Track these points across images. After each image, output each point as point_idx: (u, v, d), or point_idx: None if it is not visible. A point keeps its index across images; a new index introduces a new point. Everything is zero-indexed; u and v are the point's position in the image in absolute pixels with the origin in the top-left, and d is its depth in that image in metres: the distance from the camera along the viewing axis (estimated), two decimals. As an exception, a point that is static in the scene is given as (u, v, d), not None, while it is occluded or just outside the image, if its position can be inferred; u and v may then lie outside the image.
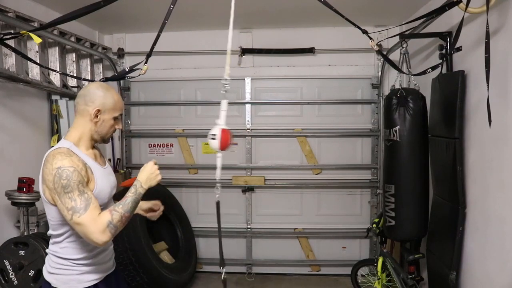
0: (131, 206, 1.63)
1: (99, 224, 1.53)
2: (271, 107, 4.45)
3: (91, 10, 2.00)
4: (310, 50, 4.28)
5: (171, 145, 4.55)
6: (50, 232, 1.71)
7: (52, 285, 1.67)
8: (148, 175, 1.72)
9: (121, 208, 1.59)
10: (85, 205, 1.54)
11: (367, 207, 4.40)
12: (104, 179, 1.72)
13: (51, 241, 1.71)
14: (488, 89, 1.96)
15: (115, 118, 1.75)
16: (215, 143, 1.57)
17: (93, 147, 1.80)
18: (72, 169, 1.55)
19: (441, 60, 2.74)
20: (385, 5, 3.58)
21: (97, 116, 1.69)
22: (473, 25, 2.46)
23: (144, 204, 2.01)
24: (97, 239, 1.53)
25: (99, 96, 1.69)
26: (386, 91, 4.09)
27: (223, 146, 1.56)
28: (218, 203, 1.62)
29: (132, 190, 1.66)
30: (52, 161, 1.57)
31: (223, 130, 1.57)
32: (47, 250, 1.75)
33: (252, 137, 4.43)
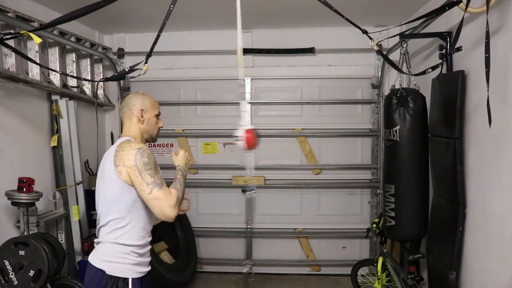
0: (183, 186, 1.89)
1: (172, 199, 1.75)
2: (271, 107, 4.45)
3: (91, 10, 2.00)
4: (310, 50, 4.28)
5: (171, 145, 4.55)
6: (112, 217, 1.80)
7: (107, 272, 1.77)
8: (185, 160, 1.99)
9: (180, 186, 1.85)
10: (161, 182, 1.77)
11: (367, 207, 4.40)
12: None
13: (108, 229, 1.81)
14: (488, 89, 1.95)
15: (156, 117, 2.00)
16: (241, 144, 1.65)
17: None
18: (150, 151, 1.81)
19: (441, 60, 2.74)
20: (385, 5, 3.58)
21: (143, 116, 1.94)
22: (473, 25, 2.46)
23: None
24: (170, 213, 1.74)
25: (138, 99, 1.97)
26: (386, 91, 4.09)
27: (249, 145, 1.65)
28: (250, 200, 1.76)
29: (179, 173, 1.92)
30: (130, 144, 1.81)
31: (246, 131, 1.64)
32: (100, 239, 1.85)
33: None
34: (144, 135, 1.98)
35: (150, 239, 1.93)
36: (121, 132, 2.06)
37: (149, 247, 1.93)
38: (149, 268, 1.94)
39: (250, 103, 4.41)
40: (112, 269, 1.78)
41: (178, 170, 1.94)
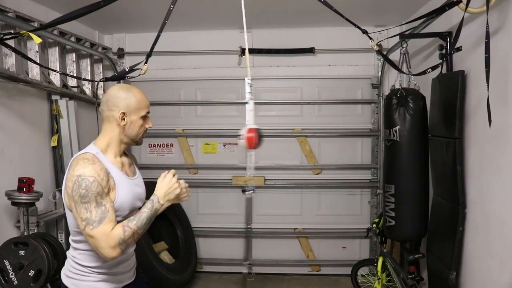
0: (145, 223, 1.57)
1: (110, 240, 1.49)
2: (271, 107, 4.45)
3: (91, 10, 2.00)
4: (310, 50, 4.28)
5: (171, 145, 4.55)
6: (70, 237, 1.69)
7: None
8: (166, 189, 1.62)
9: (134, 225, 1.54)
10: (100, 219, 1.50)
11: (367, 207, 4.39)
12: (128, 190, 1.65)
13: (71, 245, 1.70)
14: (488, 89, 1.95)
15: (143, 118, 1.69)
16: (243, 143, 1.61)
17: (125, 154, 1.77)
18: (92, 178, 1.50)
19: (441, 60, 2.74)
20: (385, 5, 3.58)
21: (124, 119, 1.64)
22: (473, 25, 2.46)
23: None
24: (107, 254, 1.50)
25: (121, 98, 1.63)
26: (386, 91, 4.09)
27: (251, 145, 1.60)
28: (249, 200, 1.70)
29: (148, 205, 1.59)
30: (75, 167, 1.53)
31: (249, 130, 1.60)
32: (67, 253, 1.73)
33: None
34: (124, 140, 1.68)
35: (118, 259, 1.63)
36: None
37: (122, 264, 1.72)
38: (126, 282, 1.76)
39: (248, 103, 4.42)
40: (72, 286, 1.65)
41: (150, 200, 1.60)
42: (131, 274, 1.82)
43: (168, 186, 1.62)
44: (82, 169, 1.51)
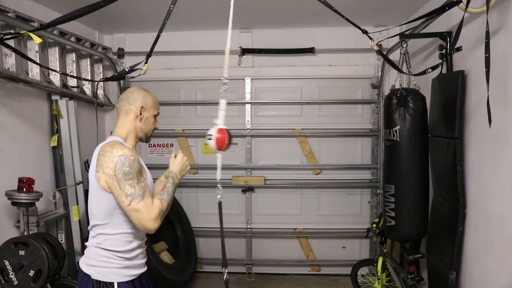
0: (172, 196, 1.79)
1: (153, 212, 1.66)
2: (271, 107, 4.45)
3: (91, 10, 2.00)
4: (310, 50, 4.28)
5: (171, 145, 4.55)
6: (95, 222, 1.77)
7: (92, 277, 1.74)
8: (180, 166, 1.89)
9: (166, 197, 1.74)
10: (143, 193, 1.66)
11: (367, 207, 4.40)
12: (149, 178, 1.84)
13: (93, 233, 1.78)
14: (488, 89, 1.95)
15: (154, 117, 1.91)
16: (212, 144, 1.55)
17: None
18: (133, 158, 1.68)
19: (441, 60, 2.74)
20: (385, 5, 3.58)
21: (141, 113, 1.84)
22: (473, 25, 2.46)
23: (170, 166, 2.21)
24: (150, 225, 1.66)
25: (140, 95, 1.85)
26: (386, 91, 4.09)
27: (220, 146, 1.54)
28: (220, 204, 1.67)
29: (170, 181, 1.81)
30: (112, 149, 1.68)
31: (220, 130, 1.54)
32: (87, 243, 1.81)
33: (252, 137, 4.43)
34: (139, 134, 1.88)
35: (140, 242, 1.84)
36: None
37: (140, 249, 1.85)
38: (142, 270, 1.87)
39: (250, 103, 4.41)
40: (96, 274, 1.74)
41: (170, 177, 1.83)
42: (145, 262, 1.91)
43: (181, 163, 1.90)
44: (122, 150, 1.68)
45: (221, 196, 1.64)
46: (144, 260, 1.89)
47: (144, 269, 1.88)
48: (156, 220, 1.67)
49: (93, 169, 1.73)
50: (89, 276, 1.74)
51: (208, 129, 1.61)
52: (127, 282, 1.77)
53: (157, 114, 1.94)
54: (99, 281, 1.73)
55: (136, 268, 1.82)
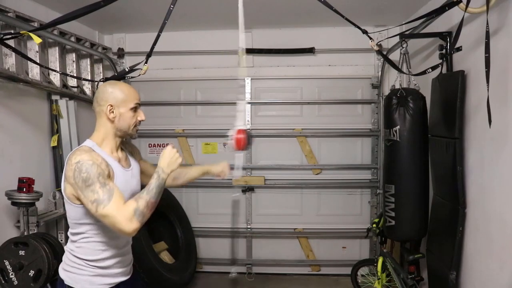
0: (156, 192, 1.61)
1: (125, 213, 1.52)
2: (271, 107, 4.45)
3: (91, 10, 2.00)
4: (310, 50, 4.28)
5: (171, 145, 4.54)
6: (69, 231, 1.73)
7: (65, 282, 1.70)
8: (168, 160, 1.70)
9: (146, 194, 1.58)
10: (108, 196, 1.53)
11: (367, 207, 4.40)
12: (124, 182, 1.71)
13: (69, 239, 1.74)
14: (488, 89, 1.96)
15: (133, 110, 1.73)
16: (231, 144, 1.61)
17: (121, 149, 1.81)
18: (91, 162, 1.55)
19: (441, 60, 2.74)
20: (385, 5, 3.58)
21: (113, 112, 1.68)
22: (473, 25, 2.46)
23: (214, 170, 2.27)
24: (125, 228, 1.51)
25: (107, 92, 1.69)
26: (386, 91, 4.09)
27: (238, 146, 1.60)
28: (236, 203, 1.69)
29: (154, 176, 1.65)
30: (72, 157, 1.59)
31: (238, 131, 1.60)
32: (65, 248, 1.77)
33: (252, 137, 4.42)
34: (118, 133, 1.73)
35: (117, 251, 1.73)
36: None
37: (117, 258, 1.74)
38: (120, 279, 1.76)
39: (250, 103, 4.41)
40: (68, 279, 1.69)
41: (155, 172, 1.67)
42: (128, 270, 1.83)
43: (169, 157, 1.71)
44: (80, 156, 1.57)
45: (237, 195, 1.65)
46: (123, 269, 1.78)
47: (124, 278, 1.78)
48: (131, 221, 1.51)
49: (62, 178, 1.67)
50: (62, 281, 1.71)
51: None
52: None
53: (135, 105, 1.73)
54: (71, 287, 1.68)
55: (111, 276, 1.72)
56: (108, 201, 1.52)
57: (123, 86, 1.74)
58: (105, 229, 1.65)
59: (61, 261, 1.77)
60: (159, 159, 1.72)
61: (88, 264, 1.67)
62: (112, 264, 1.72)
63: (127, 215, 1.52)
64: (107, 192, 1.54)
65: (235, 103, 4.35)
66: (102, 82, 4.14)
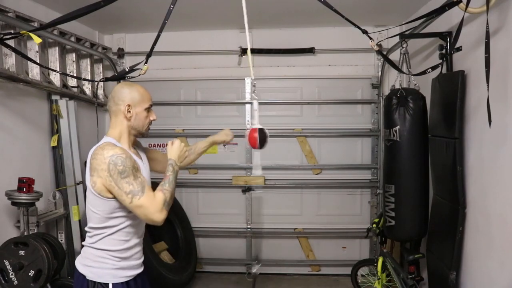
0: (174, 184, 1.76)
1: (157, 204, 1.65)
2: (271, 107, 4.45)
3: (91, 10, 2.00)
4: (310, 50, 4.28)
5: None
6: (91, 225, 1.76)
7: (87, 277, 1.74)
8: (178, 152, 1.84)
9: (168, 186, 1.72)
10: (142, 188, 1.65)
11: (367, 207, 4.39)
12: (146, 174, 1.84)
13: (89, 234, 1.77)
14: (488, 89, 1.96)
15: (147, 110, 1.83)
16: (249, 142, 1.68)
17: (133, 147, 1.89)
18: (125, 155, 1.66)
19: (441, 60, 2.74)
20: (385, 5, 3.58)
21: (130, 111, 1.78)
22: (473, 25, 2.46)
23: (219, 138, 2.38)
24: (157, 218, 1.66)
25: (125, 93, 1.79)
26: (386, 91, 4.09)
27: (253, 144, 1.65)
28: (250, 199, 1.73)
29: (170, 169, 1.78)
30: (103, 152, 1.66)
31: (253, 130, 1.68)
32: (84, 243, 1.81)
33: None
34: (132, 132, 1.83)
35: (138, 240, 1.83)
36: None
37: (137, 248, 1.84)
38: (138, 271, 1.85)
39: (250, 103, 4.41)
40: (91, 274, 1.73)
41: (169, 165, 1.79)
42: (142, 262, 1.90)
43: (179, 150, 1.85)
44: (113, 150, 1.66)
45: (260, 192, 1.72)
46: (140, 261, 1.87)
47: (139, 270, 1.86)
48: (162, 212, 1.66)
49: (87, 174, 1.72)
50: (84, 276, 1.74)
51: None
52: (121, 283, 1.76)
53: (149, 106, 1.85)
54: (94, 282, 1.73)
55: (131, 269, 1.81)
56: (142, 192, 1.64)
57: (139, 87, 1.84)
58: (132, 219, 1.75)
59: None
60: (169, 151, 1.84)
61: (112, 256, 1.73)
62: (133, 254, 1.81)
63: (158, 206, 1.65)
64: (141, 184, 1.65)
65: (235, 103, 4.42)
66: (102, 82, 4.18)
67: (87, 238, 1.78)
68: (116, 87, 1.84)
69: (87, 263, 1.75)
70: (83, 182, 3.69)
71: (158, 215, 1.65)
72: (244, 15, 1.61)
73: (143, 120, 1.83)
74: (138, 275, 1.85)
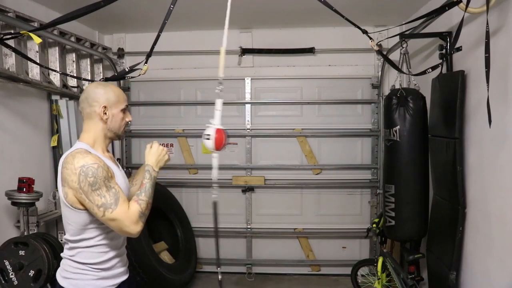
0: (151, 192, 1.65)
1: (132, 216, 1.55)
2: (271, 107, 4.45)
3: (91, 10, 2.00)
4: (310, 50, 4.28)
5: (171, 145, 4.55)
6: (67, 237, 1.67)
7: None
8: (156, 157, 1.73)
9: (144, 196, 1.62)
10: (115, 200, 1.54)
11: (367, 207, 4.39)
12: (122, 181, 1.71)
13: (67, 246, 1.69)
14: (488, 89, 1.96)
15: (123, 111, 1.73)
16: (209, 143, 1.54)
17: (107, 150, 1.79)
18: (96, 165, 1.54)
19: (441, 60, 2.74)
20: (385, 5, 3.58)
21: (106, 113, 1.67)
22: (473, 25, 2.46)
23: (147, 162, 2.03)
24: (132, 230, 1.56)
25: (100, 94, 1.67)
26: (386, 91, 4.09)
27: (218, 146, 1.54)
28: (215, 204, 1.62)
29: (147, 176, 1.68)
30: (73, 161, 1.54)
31: (218, 130, 1.53)
32: (62, 255, 1.73)
33: (252, 137, 4.43)
34: (108, 134, 1.71)
35: (117, 251, 1.71)
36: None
37: (118, 258, 1.72)
38: (121, 279, 1.74)
39: (250, 103, 4.42)
40: (71, 286, 1.64)
41: (146, 171, 1.68)
42: (126, 269, 1.83)
43: (157, 154, 1.74)
44: (83, 160, 1.54)
45: (216, 196, 1.61)
46: (123, 268, 1.77)
47: (124, 277, 1.77)
48: (137, 224, 1.56)
49: (59, 183, 1.61)
50: None
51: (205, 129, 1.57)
52: None
53: (125, 107, 1.73)
54: None
55: (114, 278, 1.71)
56: (116, 205, 1.53)
57: (114, 87, 1.73)
58: (108, 231, 1.65)
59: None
60: (146, 156, 1.73)
61: (92, 268, 1.64)
62: (114, 264, 1.71)
63: (133, 218, 1.56)
64: (114, 195, 1.55)
65: (235, 103, 4.41)
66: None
67: (65, 250, 1.70)
68: (89, 87, 1.73)
69: (66, 275, 1.66)
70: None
71: (133, 227, 1.55)
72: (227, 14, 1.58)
73: (120, 122, 1.71)
74: (123, 282, 1.75)
